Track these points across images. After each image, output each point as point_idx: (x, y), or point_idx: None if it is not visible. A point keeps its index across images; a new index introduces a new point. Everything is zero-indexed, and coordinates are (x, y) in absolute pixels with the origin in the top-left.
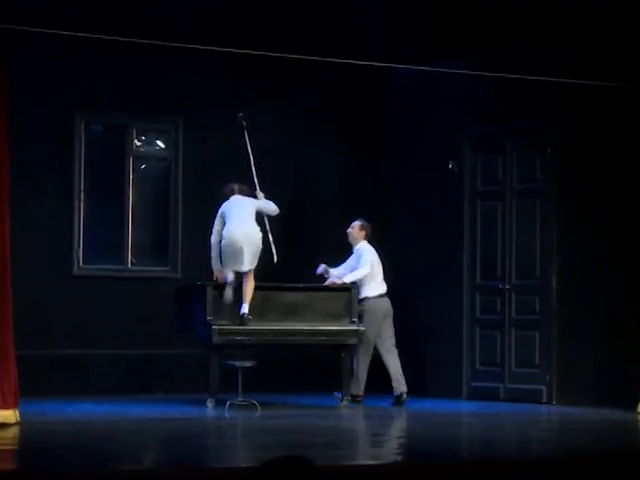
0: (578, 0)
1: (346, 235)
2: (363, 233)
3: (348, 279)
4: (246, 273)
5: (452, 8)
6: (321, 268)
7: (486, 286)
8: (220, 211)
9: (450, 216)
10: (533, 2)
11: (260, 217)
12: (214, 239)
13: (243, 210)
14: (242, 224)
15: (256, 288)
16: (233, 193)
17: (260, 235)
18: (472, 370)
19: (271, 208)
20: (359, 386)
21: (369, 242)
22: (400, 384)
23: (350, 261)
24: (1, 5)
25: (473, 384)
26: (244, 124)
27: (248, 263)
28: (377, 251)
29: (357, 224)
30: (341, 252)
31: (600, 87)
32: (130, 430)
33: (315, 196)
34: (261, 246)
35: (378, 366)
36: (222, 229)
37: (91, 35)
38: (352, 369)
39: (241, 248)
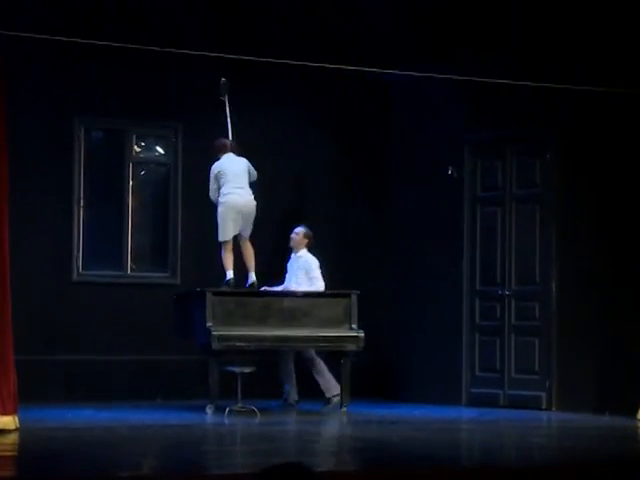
0: (576, 6)
1: (289, 240)
2: (306, 241)
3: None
4: (244, 239)
5: (451, 13)
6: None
7: (486, 292)
8: (215, 171)
9: (449, 221)
10: (532, 8)
11: None
12: (214, 196)
13: (239, 172)
14: (239, 189)
15: (256, 294)
16: (226, 150)
17: (255, 202)
18: (472, 376)
19: (254, 173)
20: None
21: (309, 250)
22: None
23: (296, 272)
24: (1, 12)
25: (473, 390)
26: (227, 90)
27: (245, 229)
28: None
29: (302, 231)
30: (338, 257)
31: (600, 93)
32: (129, 436)
33: (314, 201)
34: (255, 213)
35: (368, 370)
36: (220, 188)
37: (90, 41)
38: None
39: (238, 214)
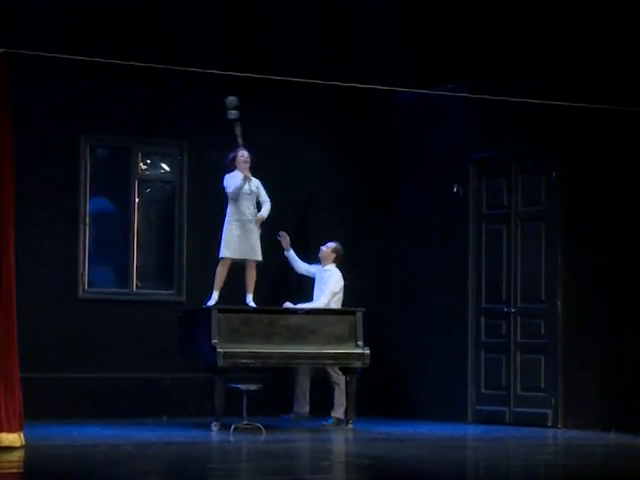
0: (581, 24)
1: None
2: (333, 256)
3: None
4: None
5: (457, 32)
6: (286, 305)
7: (491, 309)
8: None
9: (455, 239)
10: (537, 26)
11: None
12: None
13: None
14: None
15: (262, 311)
16: None
17: None
18: (477, 393)
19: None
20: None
21: (338, 266)
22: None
23: (320, 285)
24: (7, 30)
25: (478, 407)
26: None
27: None
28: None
29: (331, 245)
30: (344, 275)
31: (605, 110)
32: (135, 454)
33: (320, 218)
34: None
35: (373, 388)
36: None
37: (96, 59)
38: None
39: None
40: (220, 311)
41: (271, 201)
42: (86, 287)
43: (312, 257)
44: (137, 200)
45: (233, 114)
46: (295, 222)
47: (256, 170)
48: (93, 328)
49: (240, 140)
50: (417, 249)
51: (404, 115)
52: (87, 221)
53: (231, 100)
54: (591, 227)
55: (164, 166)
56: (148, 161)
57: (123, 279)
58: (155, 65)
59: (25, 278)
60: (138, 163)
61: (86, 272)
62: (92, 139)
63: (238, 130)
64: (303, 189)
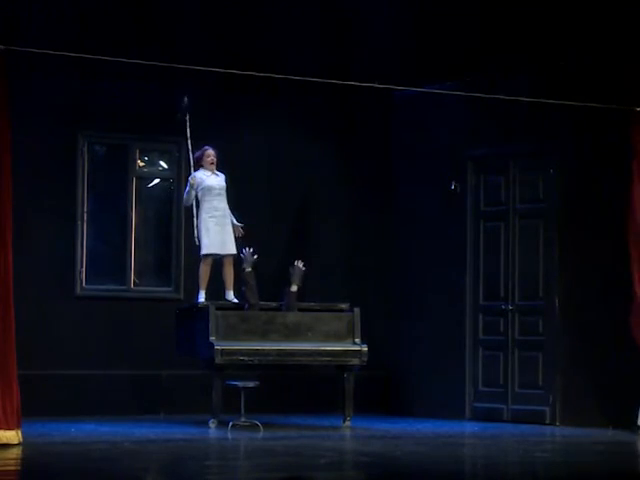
0: (578, 22)
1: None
2: None
3: None
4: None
5: (455, 30)
6: None
7: (489, 307)
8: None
9: (453, 236)
10: (535, 24)
11: None
12: None
13: None
14: None
15: (259, 308)
16: None
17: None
18: (475, 391)
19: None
20: None
21: None
22: None
23: None
24: (5, 27)
25: (476, 405)
26: (186, 117)
27: None
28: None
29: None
30: (342, 272)
31: (602, 108)
32: (132, 451)
33: (317, 216)
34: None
35: (371, 385)
36: None
37: (94, 57)
38: None
39: None
40: (218, 308)
41: (269, 200)
42: (84, 284)
43: (311, 255)
44: (134, 197)
45: (183, 116)
46: (292, 221)
47: (254, 170)
48: (91, 325)
49: (189, 142)
50: (415, 246)
51: (402, 113)
52: (85, 218)
53: (185, 102)
54: (589, 224)
55: (162, 163)
56: (145, 158)
57: (121, 276)
58: (153, 62)
59: (23, 275)
60: (136, 160)
61: (83, 269)
62: (89, 136)
63: (189, 132)
64: (298, 190)
